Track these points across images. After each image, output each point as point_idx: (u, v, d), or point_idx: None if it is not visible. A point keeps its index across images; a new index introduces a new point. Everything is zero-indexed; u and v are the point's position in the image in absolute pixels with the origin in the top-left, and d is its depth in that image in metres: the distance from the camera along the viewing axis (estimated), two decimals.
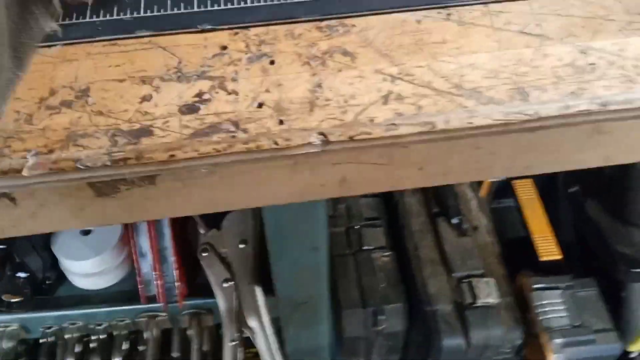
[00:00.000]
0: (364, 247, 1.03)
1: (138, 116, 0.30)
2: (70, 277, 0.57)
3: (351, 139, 0.29)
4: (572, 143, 0.32)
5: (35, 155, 0.28)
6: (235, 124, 0.30)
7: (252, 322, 0.54)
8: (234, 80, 0.31)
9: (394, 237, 1.04)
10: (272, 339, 0.54)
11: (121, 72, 0.32)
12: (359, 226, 1.03)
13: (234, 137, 0.29)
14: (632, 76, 0.31)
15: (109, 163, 0.29)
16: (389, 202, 1.08)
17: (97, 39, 0.33)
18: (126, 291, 0.56)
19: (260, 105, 0.30)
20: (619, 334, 0.91)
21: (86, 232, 0.55)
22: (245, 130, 0.29)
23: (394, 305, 0.97)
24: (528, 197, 1.04)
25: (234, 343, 0.53)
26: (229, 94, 0.31)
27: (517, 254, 0.99)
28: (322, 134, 0.29)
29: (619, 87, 0.30)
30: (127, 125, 0.30)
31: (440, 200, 1.03)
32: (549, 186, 1.04)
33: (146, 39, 0.33)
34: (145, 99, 0.31)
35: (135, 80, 0.31)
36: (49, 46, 0.33)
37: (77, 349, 0.57)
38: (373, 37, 0.33)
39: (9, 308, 0.54)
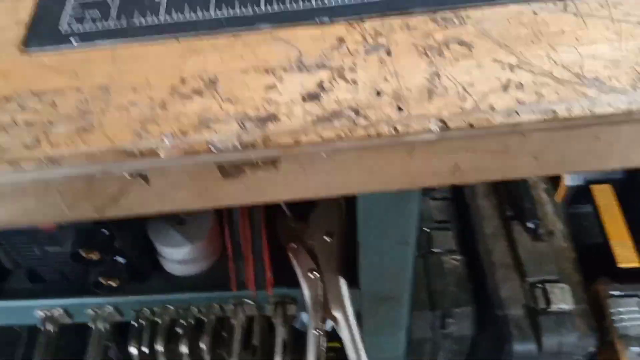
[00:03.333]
0: (434, 250, 1.03)
1: (264, 103, 0.31)
2: (165, 264, 0.59)
3: (471, 126, 0.30)
4: None
5: (170, 137, 0.30)
6: (356, 111, 0.31)
7: (337, 313, 0.55)
8: (352, 70, 0.32)
9: (465, 240, 1.03)
10: (356, 330, 0.54)
11: (246, 63, 0.33)
12: (429, 229, 1.03)
13: (354, 123, 0.30)
14: None
15: (238, 146, 0.30)
16: (460, 204, 1.07)
17: (222, 31, 0.35)
18: (217, 278, 0.58)
19: (379, 94, 0.31)
20: None
21: (180, 222, 0.57)
22: (365, 117, 0.30)
23: (462, 309, 0.97)
24: (606, 202, 1.01)
25: (318, 332, 0.54)
26: (348, 83, 0.32)
27: (593, 261, 0.96)
28: (441, 120, 0.30)
29: None
30: (254, 112, 0.31)
31: (514, 204, 1.01)
32: (629, 191, 1.01)
33: (267, 32, 0.34)
34: (270, 87, 0.32)
35: (259, 71, 0.33)
36: (177, 38, 0.35)
37: (166, 333, 0.59)
38: (489, 28, 0.33)
39: (106, 291, 0.57)
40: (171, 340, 0.60)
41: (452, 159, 0.32)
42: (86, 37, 0.35)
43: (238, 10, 0.35)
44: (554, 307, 0.90)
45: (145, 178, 0.31)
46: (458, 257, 1.01)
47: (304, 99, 0.31)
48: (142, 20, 0.35)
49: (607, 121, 0.30)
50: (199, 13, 0.35)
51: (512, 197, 1.02)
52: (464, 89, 0.31)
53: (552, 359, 0.93)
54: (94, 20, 0.36)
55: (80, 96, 0.32)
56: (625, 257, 0.96)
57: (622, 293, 0.91)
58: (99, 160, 0.30)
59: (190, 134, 0.30)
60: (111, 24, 0.35)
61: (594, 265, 0.96)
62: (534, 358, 0.92)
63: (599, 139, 0.31)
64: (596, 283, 0.94)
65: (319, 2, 0.35)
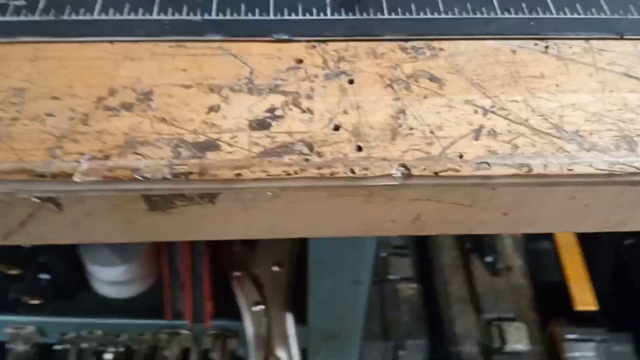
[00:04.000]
0: (390, 277, 0.99)
1: (204, 127, 0.27)
2: (95, 284, 0.54)
3: (436, 174, 0.26)
4: None
5: (89, 160, 0.26)
6: (309, 146, 0.27)
7: (280, 352, 0.51)
8: (309, 97, 0.29)
9: (422, 269, 1.00)
10: None
11: (188, 77, 0.29)
12: (385, 254, 1.00)
13: (307, 160, 0.26)
14: None
15: (169, 176, 0.26)
16: None
17: (164, 38, 0.31)
18: (150, 304, 0.54)
19: (337, 128, 0.28)
20: None
21: None
22: (319, 154, 0.27)
23: (416, 341, 0.94)
24: (566, 240, 1.00)
25: None
26: (303, 112, 0.28)
27: (551, 300, 0.95)
28: (404, 166, 0.26)
29: None
30: (192, 137, 0.27)
31: (474, 236, 0.99)
32: (590, 233, 0.99)
33: (216, 44, 0.30)
34: (213, 109, 0.28)
35: (202, 88, 0.29)
36: (111, 41, 0.30)
37: None
38: (463, 63, 0.30)
39: (28, 310, 0.52)
40: None
41: (415, 208, 0.28)
42: (5, 29, 0.30)
43: (185, 15, 0.31)
44: (509, 347, 0.88)
45: (57, 204, 0.27)
46: (414, 285, 0.98)
47: (251, 127, 0.27)
48: (74, 16, 0.31)
49: (586, 182, 0.27)
50: (140, 14, 0.31)
51: None
52: (432, 132, 0.27)
53: None
54: (17, 10, 0.31)
55: None
56: (582, 299, 0.94)
57: (579, 337, 0.90)
58: (4, 179, 0.26)
59: (114, 157, 0.26)
60: (37, 17, 0.31)
61: (551, 304, 0.94)
62: None
63: (574, 199, 0.28)
64: (552, 324, 0.92)
65: (278, 15, 0.31)
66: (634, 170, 0.27)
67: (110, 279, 0.52)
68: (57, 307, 0.53)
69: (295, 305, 0.52)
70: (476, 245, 0.99)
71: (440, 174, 0.26)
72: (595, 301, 0.93)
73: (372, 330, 0.91)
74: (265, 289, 0.52)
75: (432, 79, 0.29)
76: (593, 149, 0.27)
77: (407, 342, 0.97)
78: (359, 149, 0.27)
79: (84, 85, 0.28)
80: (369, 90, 0.29)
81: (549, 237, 1.02)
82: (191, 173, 0.26)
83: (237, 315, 0.52)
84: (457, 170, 0.26)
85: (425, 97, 0.29)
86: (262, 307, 0.52)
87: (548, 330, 0.94)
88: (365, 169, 0.26)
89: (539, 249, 1.05)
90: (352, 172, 0.26)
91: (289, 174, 0.26)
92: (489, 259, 0.96)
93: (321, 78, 0.29)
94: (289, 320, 0.52)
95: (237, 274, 0.52)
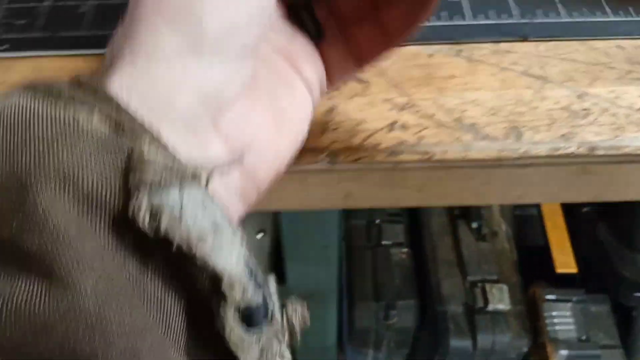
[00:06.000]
0: (383, 242, 1.06)
1: None
2: None
3: (355, 161, 0.33)
4: (561, 181, 0.35)
5: None
6: None
7: None
8: None
9: (414, 235, 1.07)
10: None
11: None
12: (379, 221, 1.07)
13: None
14: (622, 124, 0.33)
15: None
16: None
17: None
18: None
19: None
20: (625, 352, 0.92)
21: None
22: None
23: (406, 301, 1.01)
24: (551, 208, 1.06)
25: None
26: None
27: (533, 264, 1.01)
28: (330, 155, 0.33)
29: (608, 134, 0.33)
30: None
31: None
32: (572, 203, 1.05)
33: None
34: None
35: None
36: (99, 53, 0.37)
37: None
38: (387, 67, 0.36)
39: None
40: None
41: (344, 187, 0.35)
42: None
43: None
44: (491, 307, 0.95)
45: None
46: (405, 250, 1.05)
47: None
48: (67, 32, 0.37)
49: (480, 165, 0.33)
50: None
51: None
52: (354, 127, 0.34)
53: (486, 357, 0.98)
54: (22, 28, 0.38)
55: None
56: (563, 262, 1.00)
57: (557, 297, 0.96)
58: None
59: None
60: (37, 33, 0.37)
61: (534, 268, 1.00)
62: (468, 355, 0.97)
63: (473, 179, 0.34)
64: (533, 286, 0.99)
65: None
66: (517, 155, 0.33)
67: None
68: None
69: (275, 267, 0.59)
70: (463, 212, 1.05)
71: (358, 160, 0.33)
72: (576, 265, 0.99)
73: (365, 291, 0.98)
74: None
75: (360, 81, 0.36)
76: (485, 139, 0.33)
77: (397, 303, 1.03)
78: None
79: None
80: None
81: (535, 205, 1.07)
82: None
83: None
84: (372, 157, 0.33)
85: (352, 97, 0.35)
86: None
87: (529, 292, 1.00)
88: (298, 157, 0.33)
89: (525, 215, 1.11)
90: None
91: None
92: (474, 224, 1.02)
93: None
94: (271, 280, 0.59)
95: None
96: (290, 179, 0.34)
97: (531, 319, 0.96)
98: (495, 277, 0.99)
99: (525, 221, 1.09)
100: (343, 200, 0.36)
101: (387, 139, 0.33)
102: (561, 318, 0.95)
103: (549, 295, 0.96)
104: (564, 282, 0.99)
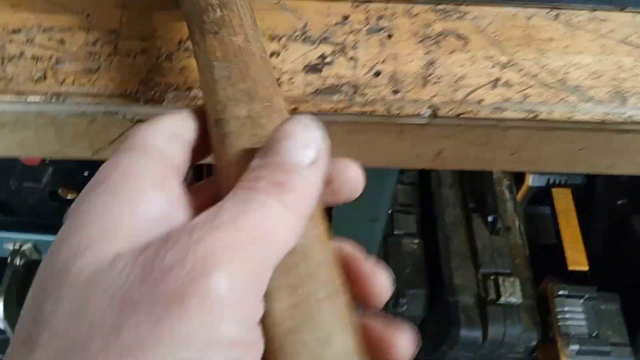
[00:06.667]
0: (395, 232, 1.06)
1: None
2: None
3: (458, 116, 0.32)
4: None
5: (174, 90, 0.32)
6: (354, 88, 0.32)
7: None
8: (353, 48, 0.34)
9: (425, 226, 1.07)
10: None
11: None
12: (392, 211, 1.06)
13: (352, 99, 0.32)
14: None
15: None
16: (425, 191, 1.10)
17: None
18: None
19: (377, 74, 0.33)
20: (634, 350, 0.93)
21: None
22: (362, 95, 0.32)
23: (416, 290, 1.01)
24: (565, 205, 1.06)
25: None
26: (349, 60, 0.34)
27: (545, 260, 1.01)
28: (432, 107, 0.32)
29: None
30: None
31: (477, 197, 1.05)
32: (586, 198, 1.06)
33: (274, 1, 0.36)
34: (274, 54, 0.33)
35: (265, 37, 0.34)
36: None
37: None
38: (485, 25, 0.35)
39: None
40: None
41: (437, 144, 0.34)
42: None
43: None
44: (502, 299, 0.95)
45: None
46: (417, 240, 1.05)
47: (305, 70, 0.33)
48: None
49: (582, 127, 0.33)
50: None
51: (476, 190, 1.06)
52: (456, 81, 0.33)
53: (495, 349, 0.98)
54: None
55: (89, 37, 0.33)
56: (575, 260, 1.01)
57: (569, 293, 0.96)
58: (105, 101, 0.31)
59: (194, 89, 0.32)
60: None
61: (545, 264, 1.01)
62: (477, 345, 0.97)
63: (570, 143, 0.34)
64: (545, 281, 0.99)
65: None
66: (622, 120, 0.32)
67: None
68: None
69: None
70: (478, 205, 1.05)
71: (461, 115, 0.32)
72: (587, 262, 1.00)
73: None
74: None
75: (458, 37, 0.35)
76: (590, 101, 0.33)
77: (407, 291, 1.03)
78: (395, 92, 0.32)
79: (167, 31, 0.34)
80: (405, 44, 0.34)
81: (549, 202, 1.08)
82: None
83: None
84: (475, 113, 0.32)
85: (452, 52, 0.34)
86: None
87: (541, 287, 1.00)
88: (400, 108, 0.32)
89: (537, 213, 1.11)
90: (388, 111, 0.32)
91: (336, 110, 0.32)
92: (490, 218, 1.02)
93: (364, 33, 0.35)
94: None
95: None
96: (384, 131, 0.33)
97: (541, 313, 0.97)
98: (508, 271, 0.99)
99: (538, 218, 1.09)
100: (432, 159, 0.35)
101: (491, 96, 0.32)
102: (573, 314, 0.95)
103: (561, 291, 0.96)
104: (575, 279, 0.99)
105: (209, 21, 0.27)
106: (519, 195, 1.10)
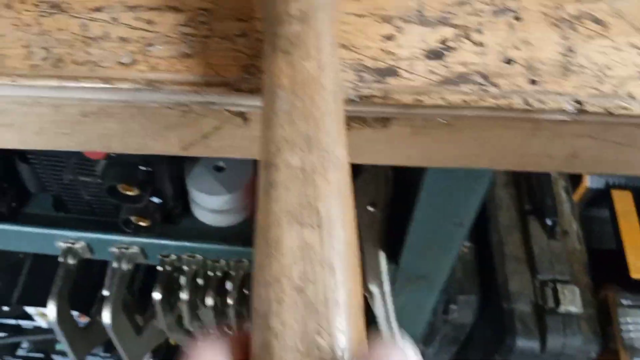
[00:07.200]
0: None
1: (382, 55, 0.29)
2: (197, 211, 0.57)
3: (608, 111, 0.28)
4: None
5: None
6: (485, 77, 0.28)
7: (373, 287, 0.53)
8: (478, 31, 0.30)
9: (477, 228, 1.02)
10: (391, 307, 0.53)
11: (360, 7, 0.30)
12: None
13: (484, 90, 0.28)
14: None
15: (355, 98, 0.27)
16: None
17: None
18: (250, 233, 0.56)
19: (508, 61, 0.29)
20: None
21: (219, 169, 0.55)
22: (496, 85, 0.28)
23: (467, 296, 0.96)
24: (625, 208, 1.00)
25: None
26: (475, 45, 0.29)
27: (604, 266, 0.96)
28: (577, 101, 0.28)
29: None
30: (371, 62, 0.28)
31: (534, 199, 1.00)
32: None
33: None
34: (389, 38, 0.29)
35: (375, 18, 0.30)
36: None
37: (191, 282, 0.57)
38: (623, 8, 0.31)
39: (135, 230, 0.55)
40: (197, 291, 0.58)
41: (574, 144, 0.30)
42: None
43: None
44: (562, 308, 0.90)
45: (245, 118, 0.29)
46: (468, 244, 1.00)
47: (427, 56, 0.29)
48: None
49: None
50: None
51: (532, 191, 1.01)
52: (600, 71, 0.28)
53: None
54: None
55: (179, 17, 0.29)
56: (639, 267, 0.95)
57: (633, 303, 0.91)
58: (201, 91, 0.27)
59: None
60: None
61: (604, 270, 0.95)
62: (534, 356, 0.92)
63: None
64: (606, 289, 0.94)
65: None
66: None
67: (212, 207, 0.54)
68: (161, 230, 0.55)
69: (387, 245, 0.54)
70: (535, 208, 1.00)
71: (611, 111, 0.28)
72: None
73: None
74: (360, 227, 0.54)
75: (596, 20, 0.30)
76: None
77: (458, 297, 0.99)
78: (533, 82, 0.28)
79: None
80: (536, 28, 0.30)
81: (608, 205, 1.03)
82: (375, 96, 0.28)
83: None
84: (628, 109, 0.28)
85: (590, 37, 0.30)
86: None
87: (601, 295, 0.95)
88: (541, 101, 0.28)
89: (594, 216, 1.06)
90: (528, 104, 0.28)
91: (466, 102, 0.28)
92: (548, 221, 0.97)
93: (488, 14, 0.30)
94: (382, 258, 0.54)
95: None
96: (516, 128, 0.29)
97: (602, 323, 0.91)
98: (567, 278, 0.94)
99: (595, 222, 1.04)
100: (565, 161, 0.31)
101: None
102: (637, 325, 0.90)
103: (624, 300, 0.91)
104: (636, 287, 0.94)
105: (283, 35, 0.24)
106: (576, 197, 1.05)
